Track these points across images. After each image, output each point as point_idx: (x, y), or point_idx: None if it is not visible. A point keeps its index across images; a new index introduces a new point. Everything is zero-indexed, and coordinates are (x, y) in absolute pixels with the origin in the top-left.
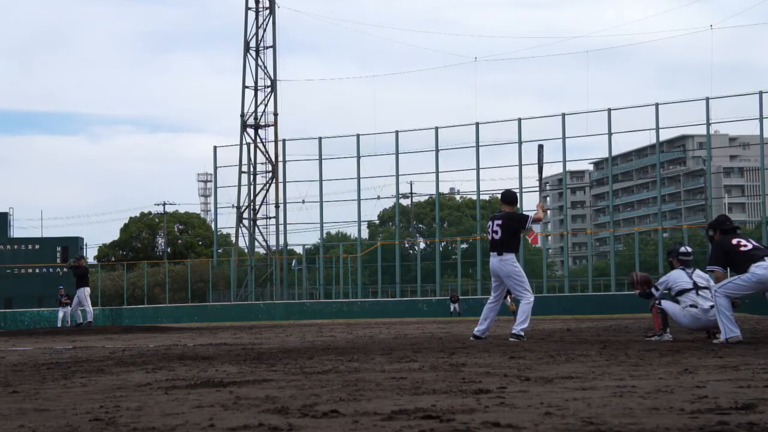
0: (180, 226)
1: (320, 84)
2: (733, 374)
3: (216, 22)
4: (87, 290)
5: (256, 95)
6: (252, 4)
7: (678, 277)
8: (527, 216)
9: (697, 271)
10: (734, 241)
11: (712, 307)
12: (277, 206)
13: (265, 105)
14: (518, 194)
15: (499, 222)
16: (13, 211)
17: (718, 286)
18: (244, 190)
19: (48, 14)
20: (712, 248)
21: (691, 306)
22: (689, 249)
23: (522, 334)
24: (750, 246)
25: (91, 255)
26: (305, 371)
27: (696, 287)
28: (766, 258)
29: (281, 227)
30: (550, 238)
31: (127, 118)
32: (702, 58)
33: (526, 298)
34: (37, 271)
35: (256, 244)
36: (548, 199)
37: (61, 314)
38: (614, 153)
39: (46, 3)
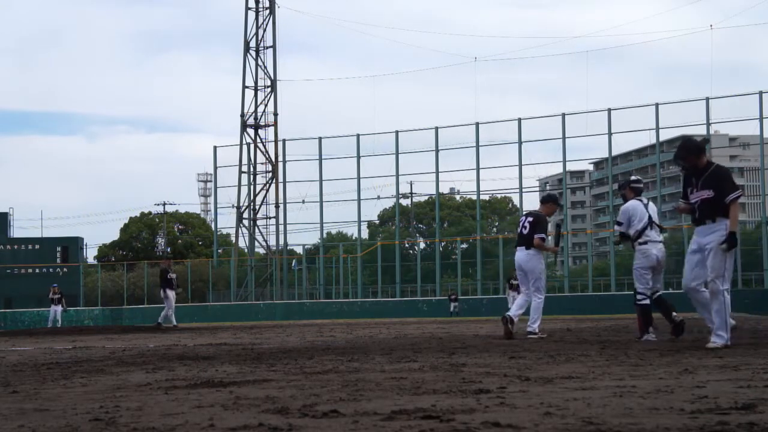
0: (180, 226)
1: (320, 84)
2: (733, 374)
3: (216, 22)
4: (167, 293)
5: (256, 95)
6: (252, 4)
7: (635, 210)
8: (543, 235)
9: (651, 204)
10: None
11: (661, 242)
12: (277, 206)
13: (265, 105)
14: (518, 195)
15: (531, 219)
16: (13, 211)
17: (714, 276)
18: (244, 190)
19: (46, 14)
20: (721, 175)
21: (641, 244)
22: (639, 177)
23: (537, 330)
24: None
25: (91, 255)
26: (305, 371)
27: (650, 221)
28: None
29: (281, 227)
30: (550, 238)
31: (127, 118)
32: (702, 58)
33: (538, 296)
34: (37, 271)
35: (256, 244)
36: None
37: (52, 313)
38: (614, 153)
39: (44, 3)
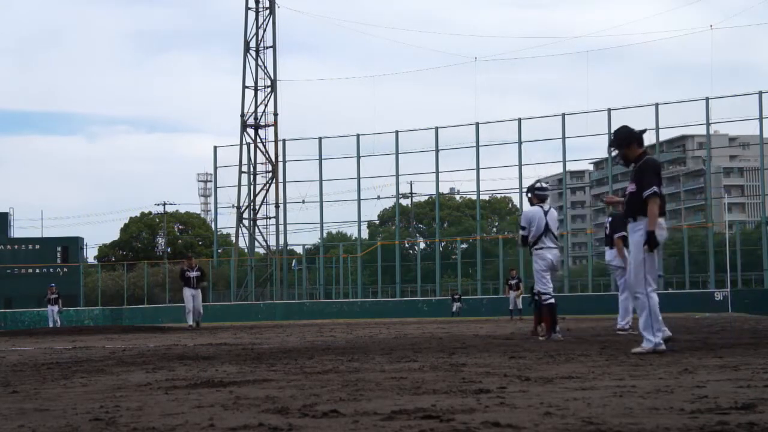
0: (180, 226)
1: (320, 84)
2: (733, 374)
3: (215, 22)
4: (184, 290)
5: (256, 95)
6: (252, 4)
7: (534, 215)
8: (623, 233)
9: (552, 211)
10: (662, 174)
11: (556, 247)
12: (277, 206)
13: (265, 105)
14: (518, 195)
15: (610, 219)
16: (13, 211)
17: (634, 278)
18: (244, 190)
19: (46, 14)
20: (645, 168)
21: (537, 249)
22: (545, 185)
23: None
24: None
25: (91, 255)
26: (305, 371)
27: (546, 229)
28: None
29: (281, 227)
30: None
31: (127, 118)
32: (702, 58)
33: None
34: (37, 271)
35: (256, 244)
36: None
37: (51, 313)
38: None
39: (44, 3)
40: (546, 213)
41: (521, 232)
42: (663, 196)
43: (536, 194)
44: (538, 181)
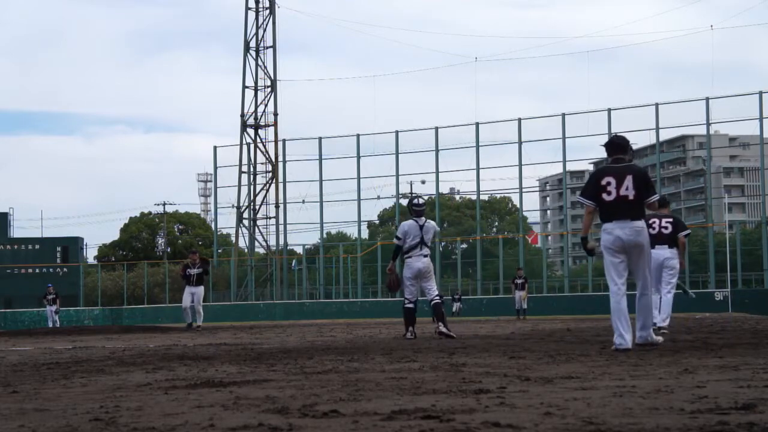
0: (180, 226)
1: (320, 84)
2: (733, 374)
3: (215, 22)
4: (185, 288)
5: (256, 95)
6: (252, 4)
7: (410, 229)
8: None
9: (429, 223)
10: (604, 181)
11: (426, 256)
12: (277, 206)
13: (265, 105)
14: (518, 195)
15: (670, 220)
16: (13, 211)
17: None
18: (244, 190)
19: (46, 14)
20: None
21: (407, 258)
22: (422, 201)
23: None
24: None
25: (91, 255)
26: (305, 371)
27: (422, 241)
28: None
29: (281, 227)
30: (550, 238)
31: (127, 118)
32: (702, 58)
33: (672, 291)
34: (37, 271)
35: (256, 244)
36: (548, 199)
37: (50, 313)
38: None
39: (44, 3)
40: (421, 227)
41: (396, 242)
42: (608, 202)
43: (413, 209)
44: (416, 197)
